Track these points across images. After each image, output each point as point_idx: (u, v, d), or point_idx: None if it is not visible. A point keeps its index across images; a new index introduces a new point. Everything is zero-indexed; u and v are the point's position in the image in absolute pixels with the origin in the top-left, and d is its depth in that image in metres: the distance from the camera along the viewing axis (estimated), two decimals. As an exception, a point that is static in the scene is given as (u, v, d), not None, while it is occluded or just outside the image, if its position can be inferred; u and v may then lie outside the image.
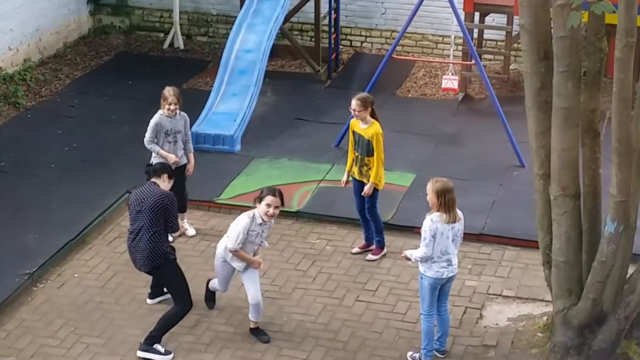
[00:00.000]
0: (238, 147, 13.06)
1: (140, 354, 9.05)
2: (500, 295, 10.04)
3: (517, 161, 12.61)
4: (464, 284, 10.19)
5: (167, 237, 9.23)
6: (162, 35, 17.35)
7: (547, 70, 8.25)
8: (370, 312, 9.72)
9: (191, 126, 12.70)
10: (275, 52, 15.53)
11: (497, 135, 13.04)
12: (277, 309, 9.79)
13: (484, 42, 15.70)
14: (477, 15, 14.77)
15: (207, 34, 17.35)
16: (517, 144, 12.53)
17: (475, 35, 15.23)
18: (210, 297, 9.71)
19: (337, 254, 10.76)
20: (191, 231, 11.08)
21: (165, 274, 9.16)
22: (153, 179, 9.23)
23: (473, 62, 13.48)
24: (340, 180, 10.79)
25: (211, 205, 11.68)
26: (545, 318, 9.44)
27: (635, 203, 8.32)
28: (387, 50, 14.16)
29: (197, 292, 9.88)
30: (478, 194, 11.84)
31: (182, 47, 16.90)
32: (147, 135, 10.64)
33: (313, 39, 15.97)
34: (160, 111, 10.66)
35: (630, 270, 8.72)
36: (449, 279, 8.82)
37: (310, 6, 15.61)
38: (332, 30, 15.59)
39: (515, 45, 14.71)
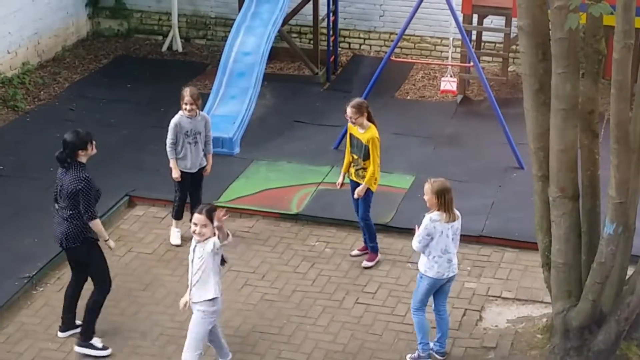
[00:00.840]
0: (237, 150, 13.06)
1: (77, 349, 9.11)
2: (499, 297, 10.05)
3: (516, 163, 12.62)
4: (463, 286, 10.19)
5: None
6: (160, 38, 17.36)
7: (545, 71, 8.26)
8: (369, 314, 9.72)
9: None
10: (274, 54, 15.55)
11: (495, 137, 13.05)
12: (276, 311, 9.79)
13: (482, 44, 15.71)
14: (475, 17, 14.77)
15: (205, 37, 17.36)
16: (515, 145, 12.54)
17: (474, 37, 15.23)
18: None
19: (336, 257, 10.76)
20: (175, 239, 10.97)
21: (83, 254, 9.05)
22: (74, 160, 8.90)
23: (471, 64, 13.50)
24: (336, 183, 10.78)
25: (210, 208, 11.66)
26: (544, 320, 9.44)
27: (634, 204, 8.33)
28: (386, 52, 14.16)
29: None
30: (477, 195, 11.85)
31: (180, 50, 16.91)
32: (168, 137, 10.62)
33: (312, 42, 15.98)
34: (180, 112, 10.63)
35: (630, 271, 8.71)
36: (449, 279, 8.85)
37: (308, 9, 15.62)
38: (331, 32, 15.59)
39: (514, 47, 14.72)
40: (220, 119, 13.35)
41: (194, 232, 8.16)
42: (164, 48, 16.92)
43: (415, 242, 8.76)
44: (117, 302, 9.94)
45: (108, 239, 9.12)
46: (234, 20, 14.83)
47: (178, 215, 10.96)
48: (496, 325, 9.58)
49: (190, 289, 8.31)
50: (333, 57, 15.82)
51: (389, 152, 13.00)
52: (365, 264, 10.54)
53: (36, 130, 13.78)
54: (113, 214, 11.53)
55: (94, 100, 14.83)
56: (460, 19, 13.52)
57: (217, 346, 8.72)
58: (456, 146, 13.36)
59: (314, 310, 9.83)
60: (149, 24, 17.63)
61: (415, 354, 8.99)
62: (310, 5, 15.52)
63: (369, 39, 16.80)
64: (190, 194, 10.89)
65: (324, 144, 13.25)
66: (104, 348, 9.10)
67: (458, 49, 14.77)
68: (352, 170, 10.40)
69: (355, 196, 10.31)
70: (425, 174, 12.30)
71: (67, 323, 9.41)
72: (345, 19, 16.61)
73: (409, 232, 10.95)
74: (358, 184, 10.35)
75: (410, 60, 15.89)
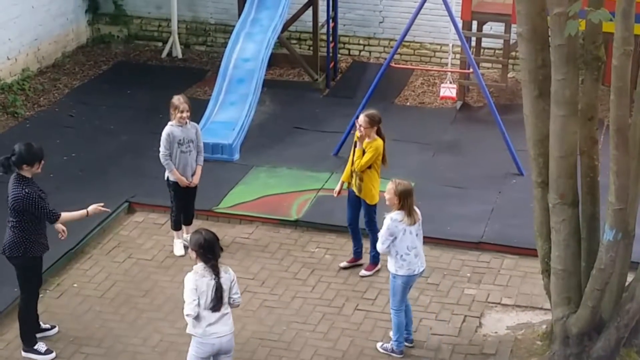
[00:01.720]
0: (237, 156, 13.06)
1: (24, 354, 9.17)
2: (499, 303, 10.04)
3: (515, 169, 12.62)
4: (463, 293, 10.19)
5: (36, 232, 8.91)
6: (160, 44, 17.37)
7: (545, 78, 8.27)
8: (369, 320, 9.72)
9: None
10: (274, 61, 15.56)
11: (495, 143, 13.05)
12: (276, 318, 9.78)
13: (481, 50, 15.71)
14: (475, 23, 14.79)
15: (205, 43, 17.37)
16: (515, 151, 12.55)
17: (473, 43, 15.24)
18: None
19: (336, 263, 10.76)
20: (178, 250, 10.94)
21: (20, 267, 9.05)
22: (17, 172, 8.85)
23: (471, 70, 13.51)
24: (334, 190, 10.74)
25: (210, 215, 11.67)
26: (544, 326, 9.44)
27: (633, 210, 8.33)
28: (386, 58, 14.18)
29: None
30: (476, 202, 11.85)
31: (180, 56, 16.92)
32: (162, 148, 10.57)
33: (311, 48, 15.99)
34: (170, 122, 10.58)
35: (629, 278, 8.71)
36: (420, 274, 9.08)
37: (308, 15, 15.63)
38: (331, 39, 15.60)
39: (513, 53, 14.74)
40: (219, 125, 13.36)
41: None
42: (164, 54, 16.93)
43: (379, 244, 8.90)
44: (117, 308, 9.94)
45: (87, 213, 9.08)
46: (234, 26, 14.84)
47: (177, 226, 10.94)
48: (496, 332, 9.57)
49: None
50: (333, 63, 15.83)
51: (389, 158, 12.97)
52: (363, 272, 10.49)
53: (36, 137, 13.71)
54: (113, 220, 11.53)
55: (93, 107, 14.84)
56: (460, 25, 13.53)
57: None
58: (456, 152, 13.36)
59: (314, 317, 9.82)
60: (149, 30, 17.64)
61: (389, 347, 9.16)
62: (309, 12, 15.53)
63: (368, 45, 16.81)
64: (184, 207, 10.86)
65: (323, 151, 13.26)
66: (48, 352, 9.15)
67: (457, 56, 14.78)
68: (354, 180, 10.35)
69: (334, 194, 10.38)
70: (424, 180, 12.36)
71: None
72: (344, 25, 16.63)
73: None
74: (358, 195, 10.33)
75: (409, 66, 15.90)
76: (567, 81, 8.01)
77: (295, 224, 11.48)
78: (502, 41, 14.91)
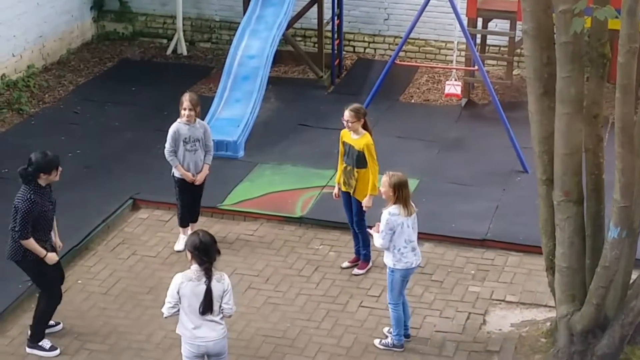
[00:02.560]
0: (241, 153, 13.06)
1: (28, 350, 9.18)
2: (503, 300, 10.04)
3: (520, 166, 12.61)
4: (467, 290, 10.19)
5: (33, 236, 8.85)
6: (165, 41, 17.36)
7: (550, 75, 8.25)
8: (373, 317, 9.72)
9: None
10: (279, 58, 15.55)
11: (500, 140, 13.04)
12: (280, 314, 9.79)
13: (487, 47, 15.69)
14: (480, 21, 14.77)
15: (210, 40, 17.37)
16: (520, 149, 12.53)
17: (478, 40, 15.22)
18: None
19: (340, 260, 10.75)
20: (179, 246, 10.90)
21: (26, 270, 9.09)
22: (34, 180, 8.90)
23: (476, 67, 13.50)
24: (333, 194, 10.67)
25: (214, 211, 11.68)
26: (548, 323, 9.43)
27: (638, 208, 8.30)
28: (390, 56, 14.16)
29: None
30: (481, 199, 11.85)
31: (185, 53, 16.92)
32: (167, 144, 10.57)
33: (316, 45, 15.98)
34: (179, 119, 10.57)
35: (634, 275, 8.71)
36: (417, 267, 9.16)
37: (313, 12, 15.62)
38: (335, 36, 15.59)
39: (518, 50, 14.71)
40: (224, 122, 13.36)
41: None
42: (169, 51, 16.93)
43: (379, 240, 8.92)
44: (121, 305, 9.94)
45: (45, 255, 8.91)
46: (239, 23, 14.83)
47: (183, 223, 10.92)
48: (500, 329, 9.57)
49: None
50: (338, 60, 15.82)
51: (393, 156, 13.00)
52: (356, 271, 10.47)
53: (41, 134, 13.79)
54: (117, 217, 11.54)
55: (98, 104, 14.84)
56: (465, 22, 13.53)
57: None
58: (460, 150, 13.36)
59: (318, 314, 9.83)
60: (154, 27, 17.64)
61: (388, 342, 9.20)
62: (314, 9, 15.52)
63: (373, 42, 16.80)
64: (189, 204, 10.83)
65: (328, 148, 13.23)
66: (52, 349, 9.16)
67: (462, 53, 14.76)
68: (342, 179, 10.30)
69: (365, 208, 10.16)
70: (429, 177, 12.37)
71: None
72: (350, 22, 16.62)
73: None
74: (347, 194, 10.29)
75: (414, 63, 15.89)
76: (573, 79, 8.00)
77: (300, 221, 11.48)
78: (507, 38, 14.89)
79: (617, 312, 8.57)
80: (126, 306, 9.92)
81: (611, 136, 8.41)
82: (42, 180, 8.88)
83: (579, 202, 8.47)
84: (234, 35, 14.66)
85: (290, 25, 15.43)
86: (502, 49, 15.74)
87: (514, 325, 9.60)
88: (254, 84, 13.84)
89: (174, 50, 16.94)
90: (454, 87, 13.74)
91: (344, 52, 16.36)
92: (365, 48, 16.86)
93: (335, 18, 15.50)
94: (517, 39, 14.47)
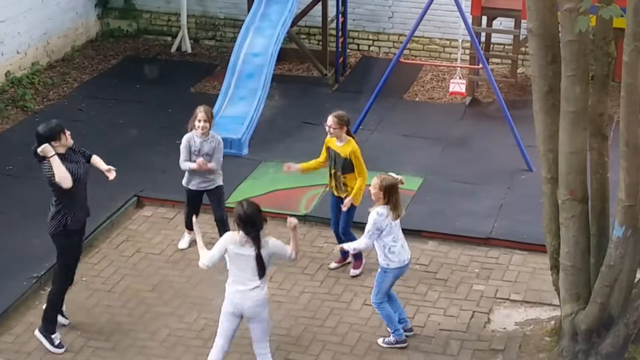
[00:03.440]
0: (245, 151, 13.07)
1: (37, 333, 9.19)
2: (508, 299, 10.03)
3: (524, 165, 12.60)
4: (471, 288, 10.19)
5: (74, 212, 9.04)
6: (169, 39, 17.37)
7: (554, 74, 8.25)
8: (377, 316, 9.68)
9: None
10: (283, 55, 15.55)
11: (504, 139, 13.03)
12: (284, 312, 9.79)
13: (491, 45, 15.68)
14: (484, 19, 14.75)
15: (214, 38, 17.37)
16: (524, 147, 12.52)
17: (483, 39, 15.22)
18: None
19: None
20: (183, 243, 10.90)
21: (58, 243, 9.14)
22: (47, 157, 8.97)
23: (480, 65, 13.49)
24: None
25: (219, 209, 11.67)
26: (553, 322, 9.43)
27: (643, 207, 8.31)
28: (395, 54, 14.16)
29: (205, 296, 9.91)
30: (486, 197, 11.84)
31: (189, 50, 16.92)
32: (181, 156, 10.43)
33: (320, 43, 15.97)
34: (192, 131, 10.44)
35: (639, 274, 8.70)
36: (409, 264, 9.21)
37: (317, 10, 15.62)
38: (340, 34, 15.59)
39: (523, 49, 14.70)
40: (228, 119, 13.36)
41: None
42: (173, 49, 16.93)
43: (365, 240, 8.92)
44: (125, 302, 9.95)
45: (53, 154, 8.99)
46: (243, 21, 14.83)
47: (187, 227, 10.85)
48: (504, 328, 9.57)
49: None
50: (342, 58, 15.82)
51: (398, 154, 13.02)
52: (353, 272, 10.39)
53: (45, 131, 13.78)
54: (121, 214, 11.55)
55: (103, 101, 14.85)
56: (470, 20, 13.51)
57: None
58: (465, 148, 13.35)
59: (322, 312, 9.83)
60: (158, 25, 17.65)
61: (390, 340, 9.23)
62: (319, 7, 15.52)
63: (378, 40, 16.79)
64: (215, 218, 10.72)
65: (332, 146, 13.24)
66: (59, 347, 9.17)
67: (467, 51, 14.75)
68: (333, 184, 10.25)
69: (344, 208, 10.07)
70: (433, 175, 12.36)
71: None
72: (354, 20, 16.61)
73: (418, 233, 11.02)
74: (340, 199, 10.23)
75: (419, 61, 15.88)
76: (577, 77, 7.99)
77: (304, 218, 11.48)
78: (511, 37, 14.88)
79: (621, 311, 8.56)
80: (130, 304, 9.93)
81: (616, 135, 8.40)
82: (59, 148, 8.96)
83: (584, 201, 8.46)
84: (238, 32, 14.66)
85: (294, 23, 15.43)
86: (506, 47, 15.72)
87: (518, 324, 9.60)
88: (258, 81, 13.84)
89: (179, 48, 16.94)
90: (458, 86, 13.73)
91: (348, 50, 16.36)
92: (369, 46, 16.85)
93: (340, 16, 15.50)
94: (521, 37, 14.46)
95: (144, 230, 11.37)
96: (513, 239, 10.97)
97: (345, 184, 10.16)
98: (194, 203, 10.64)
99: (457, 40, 14.59)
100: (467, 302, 9.95)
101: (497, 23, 15.44)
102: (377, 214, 8.85)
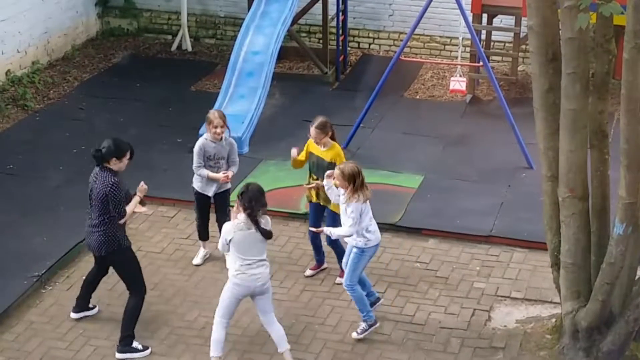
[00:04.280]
0: (246, 149, 13.06)
1: (119, 356, 9.11)
2: (508, 297, 10.03)
3: (525, 163, 12.60)
4: (472, 286, 10.19)
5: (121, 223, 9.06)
6: (170, 37, 17.38)
7: (555, 71, 8.24)
8: (378, 314, 9.70)
9: (199, 128, 12.76)
10: (283, 54, 15.55)
11: (505, 136, 13.03)
12: (284, 310, 9.78)
13: (491, 43, 15.69)
14: (485, 16, 14.76)
15: (214, 36, 17.37)
16: (525, 145, 12.52)
17: (483, 36, 15.21)
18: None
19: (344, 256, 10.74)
20: (197, 259, 10.73)
21: (118, 260, 9.16)
22: (104, 164, 9.01)
23: (481, 63, 13.48)
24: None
25: (219, 208, 11.66)
26: (553, 320, 9.43)
27: (644, 205, 8.31)
28: (395, 52, 14.16)
29: (205, 295, 9.92)
30: (486, 195, 11.84)
31: (190, 49, 16.92)
32: (194, 161, 10.25)
33: (321, 41, 15.97)
34: (205, 135, 10.29)
35: (639, 272, 8.70)
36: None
37: (318, 8, 15.62)
38: (340, 32, 15.59)
39: (523, 46, 14.70)
40: (229, 118, 13.12)
41: None
42: (174, 47, 16.94)
43: (351, 228, 9.00)
44: (125, 301, 9.93)
45: (138, 209, 9.27)
46: (243, 19, 14.83)
47: (201, 236, 10.71)
48: (505, 326, 9.57)
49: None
50: (342, 56, 15.82)
51: (398, 152, 13.02)
52: (339, 280, 10.21)
53: (46, 130, 13.81)
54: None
55: (103, 100, 14.85)
56: (470, 18, 13.50)
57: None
58: (465, 146, 13.35)
59: (323, 310, 9.82)
60: (159, 23, 17.65)
61: (363, 327, 9.29)
62: (319, 5, 15.51)
63: (378, 38, 16.79)
64: (217, 219, 10.64)
65: (333, 144, 13.24)
66: (145, 348, 9.16)
67: (467, 49, 14.75)
68: (313, 192, 10.09)
69: (327, 232, 9.53)
70: (434, 173, 12.36)
71: (80, 305, 9.61)
72: (354, 18, 16.61)
73: (418, 231, 11.03)
74: (319, 206, 10.05)
75: (419, 59, 15.87)
76: (578, 75, 7.98)
77: (305, 217, 11.46)
78: (512, 34, 14.88)
79: (622, 308, 8.56)
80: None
81: (616, 132, 8.39)
82: (113, 165, 8.98)
83: (584, 199, 8.45)
84: (238, 31, 14.67)
85: (294, 21, 15.43)
86: (507, 45, 15.72)
87: (519, 322, 9.60)
88: (258, 80, 13.84)
89: (179, 46, 16.95)
90: (458, 83, 13.73)
91: (349, 48, 16.36)
92: (370, 44, 16.85)
93: (340, 14, 15.50)
94: (522, 34, 14.46)
95: (144, 228, 11.37)
96: (514, 236, 10.97)
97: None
98: (205, 208, 10.52)
99: (457, 38, 14.58)
100: (468, 300, 9.95)
101: (498, 21, 15.45)
102: (356, 201, 8.93)
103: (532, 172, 12.39)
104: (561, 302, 8.96)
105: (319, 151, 9.96)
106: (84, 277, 9.71)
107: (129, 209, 9.05)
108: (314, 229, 9.75)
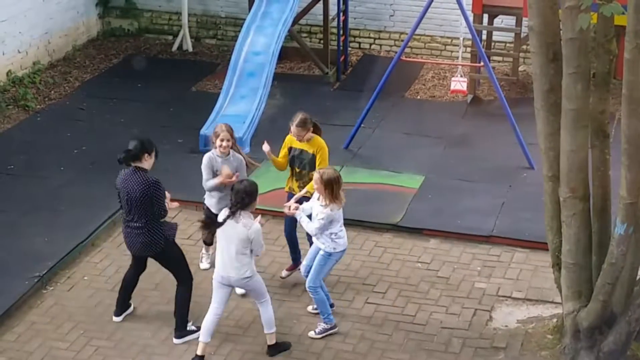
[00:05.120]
0: (247, 149, 13.05)
1: (178, 341, 9.26)
2: (509, 297, 10.03)
3: (526, 163, 12.60)
4: (473, 286, 10.19)
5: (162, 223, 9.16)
6: (171, 37, 17.38)
7: (556, 72, 8.24)
8: (379, 314, 9.72)
9: (200, 129, 12.77)
10: (284, 54, 15.55)
11: (506, 137, 13.03)
12: (286, 311, 9.78)
13: (492, 43, 15.68)
14: (485, 17, 14.76)
15: (215, 37, 17.38)
16: (526, 145, 12.52)
17: (484, 37, 15.21)
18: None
19: (345, 256, 10.68)
20: (203, 265, 10.64)
21: (166, 255, 9.24)
22: (134, 164, 9.06)
23: (482, 64, 13.49)
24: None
25: (220, 208, 11.65)
26: (555, 320, 9.43)
27: (645, 205, 8.31)
28: (396, 52, 14.16)
29: (207, 295, 9.90)
30: (487, 195, 11.84)
31: (190, 49, 16.93)
32: (204, 176, 10.01)
33: (322, 41, 15.97)
34: (212, 150, 10.03)
35: (640, 272, 8.71)
36: None
37: (318, 8, 15.62)
38: (341, 32, 15.59)
39: (524, 47, 14.70)
40: (230, 118, 13.33)
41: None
42: (174, 48, 16.94)
43: (316, 230, 9.11)
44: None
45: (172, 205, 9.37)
46: (244, 20, 14.84)
47: (208, 240, 10.60)
48: (506, 326, 9.57)
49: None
50: (343, 56, 15.82)
51: (399, 152, 13.02)
52: (285, 273, 10.31)
53: (47, 130, 13.81)
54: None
55: (104, 100, 14.86)
56: (471, 18, 13.51)
57: None
58: (466, 146, 13.35)
59: (324, 310, 9.82)
60: (159, 24, 17.65)
61: (321, 327, 9.35)
62: (320, 5, 15.52)
63: (379, 38, 16.79)
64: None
65: (334, 144, 13.15)
66: (198, 328, 9.25)
67: (468, 49, 14.75)
68: (296, 184, 10.04)
69: (292, 208, 9.44)
70: (435, 174, 12.36)
71: (122, 307, 9.64)
72: (355, 18, 16.62)
73: (419, 231, 11.03)
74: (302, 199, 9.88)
75: (420, 60, 15.88)
76: (579, 75, 7.98)
77: (305, 217, 11.47)
78: (513, 34, 14.88)
79: (623, 308, 8.56)
80: (132, 302, 9.92)
81: (617, 132, 8.39)
82: (145, 163, 9.04)
83: (585, 199, 8.46)
84: (239, 31, 14.67)
85: (295, 21, 15.43)
86: (508, 45, 15.73)
87: (521, 322, 9.60)
88: (259, 80, 13.84)
89: (180, 47, 16.95)
90: (459, 84, 13.73)
91: (350, 49, 16.36)
92: (370, 44, 16.85)
93: (341, 14, 15.51)
94: (523, 35, 14.46)
95: (145, 229, 11.36)
96: (515, 236, 10.97)
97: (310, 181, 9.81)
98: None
99: (458, 38, 14.58)
100: (469, 300, 9.95)
101: (499, 21, 15.45)
102: (331, 210, 8.99)
103: (533, 172, 12.39)
104: (562, 302, 8.96)
105: (301, 144, 9.91)
106: (97, 275, 9.68)
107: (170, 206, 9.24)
108: (289, 204, 9.49)
